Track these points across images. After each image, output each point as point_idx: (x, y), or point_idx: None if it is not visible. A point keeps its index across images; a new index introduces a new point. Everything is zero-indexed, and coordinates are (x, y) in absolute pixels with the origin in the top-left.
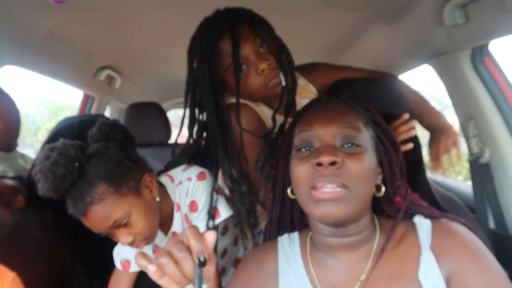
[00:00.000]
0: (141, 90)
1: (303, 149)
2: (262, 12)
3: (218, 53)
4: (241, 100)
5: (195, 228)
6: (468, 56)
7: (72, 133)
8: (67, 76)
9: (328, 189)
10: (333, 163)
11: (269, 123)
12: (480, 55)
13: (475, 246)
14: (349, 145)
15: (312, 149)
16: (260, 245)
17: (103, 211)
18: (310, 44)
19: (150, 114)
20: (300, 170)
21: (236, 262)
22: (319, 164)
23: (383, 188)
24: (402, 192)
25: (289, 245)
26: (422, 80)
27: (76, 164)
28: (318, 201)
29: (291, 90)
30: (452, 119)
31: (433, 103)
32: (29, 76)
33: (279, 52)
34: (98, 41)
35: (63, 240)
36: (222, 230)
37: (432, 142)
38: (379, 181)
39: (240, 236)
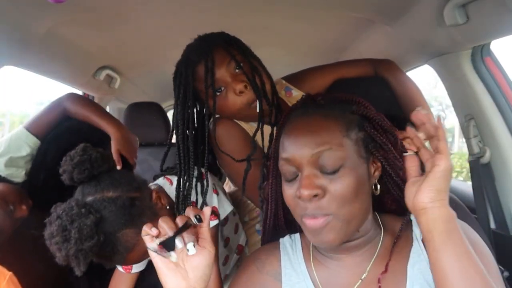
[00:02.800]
0: (141, 90)
1: (287, 174)
2: (262, 13)
3: (196, 78)
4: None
5: (194, 206)
6: (468, 56)
7: (72, 134)
8: (67, 76)
9: (315, 220)
10: (315, 195)
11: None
12: (480, 55)
13: (471, 239)
14: (329, 170)
15: (296, 175)
16: (261, 246)
17: (139, 252)
18: (310, 44)
19: (150, 114)
20: (289, 198)
21: (238, 249)
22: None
23: (379, 187)
24: None
25: (291, 246)
26: (422, 80)
27: (97, 232)
28: (311, 230)
29: (273, 108)
30: (452, 119)
31: (433, 103)
32: (29, 76)
33: (252, 74)
34: (98, 41)
35: None
36: (223, 221)
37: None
38: (375, 180)
39: (240, 224)
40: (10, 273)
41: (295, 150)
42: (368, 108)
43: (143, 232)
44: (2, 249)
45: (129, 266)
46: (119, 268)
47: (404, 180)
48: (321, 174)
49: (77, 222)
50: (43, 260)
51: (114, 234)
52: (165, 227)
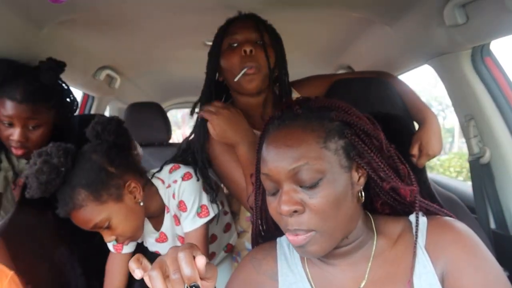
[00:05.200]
0: (141, 90)
1: (269, 188)
2: (262, 12)
3: (225, 35)
4: None
5: (188, 252)
6: (468, 56)
7: (72, 133)
8: (67, 76)
9: (298, 236)
10: (294, 211)
11: None
12: (480, 55)
13: (473, 245)
14: (307, 184)
15: (277, 189)
16: (258, 246)
17: (83, 216)
18: (310, 44)
19: (150, 114)
20: (273, 213)
21: (227, 247)
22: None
23: (363, 194)
24: (406, 193)
25: (288, 246)
26: (422, 80)
27: (62, 169)
28: (295, 245)
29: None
30: (452, 119)
31: (433, 103)
32: None
33: (267, 54)
34: (98, 41)
35: (62, 240)
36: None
37: (415, 135)
38: (360, 187)
39: (233, 223)
40: (11, 272)
41: (273, 165)
42: (348, 113)
43: (130, 266)
44: (2, 249)
45: (119, 246)
46: (112, 249)
47: (392, 186)
48: (300, 189)
49: (50, 155)
50: (43, 260)
51: (71, 187)
52: None
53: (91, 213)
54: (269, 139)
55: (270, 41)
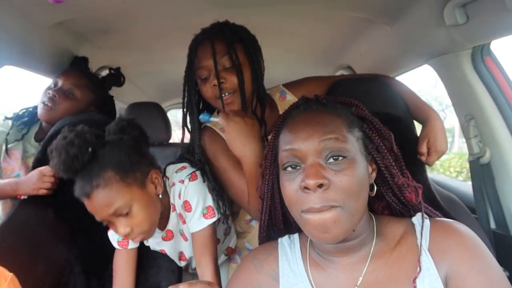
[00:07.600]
0: (141, 90)
1: (289, 168)
2: (262, 13)
3: (196, 57)
4: (208, 124)
5: None
6: (468, 56)
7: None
8: None
9: (321, 214)
10: (320, 185)
11: None
12: (480, 55)
13: (476, 248)
14: (335, 158)
15: (298, 167)
16: (260, 246)
17: (106, 196)
18: (310, 44)
19: (150, 114)
20: (290, 193)
21: (227, 250)
22: (306, 188)
23: (375, 188)
24: (410, 191)
25: (289, 246)
26: (422, 80)
27: (90, 148)
28: (314, 226)
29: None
30: (452, 119)
31: (433, 103)
32: (29, 76)
33: (239, 74)
34: (99, 41)
35: (61, 238)
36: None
37: (421, 134)
38: (372, 180)
39: (233, 226)
40: (11, 274)
41: (302, 140)
42: (365, 112)
43: None
44: (2, 249)
45: (124, 242)
46: (116, 246)
47: (398, 185)
48: (326, 165)
49: (82, 132)
50: (43, 259)
51: (99, 165)
52: None
53: (115, 194)
54: (294, 120)
55: (233, 60)
